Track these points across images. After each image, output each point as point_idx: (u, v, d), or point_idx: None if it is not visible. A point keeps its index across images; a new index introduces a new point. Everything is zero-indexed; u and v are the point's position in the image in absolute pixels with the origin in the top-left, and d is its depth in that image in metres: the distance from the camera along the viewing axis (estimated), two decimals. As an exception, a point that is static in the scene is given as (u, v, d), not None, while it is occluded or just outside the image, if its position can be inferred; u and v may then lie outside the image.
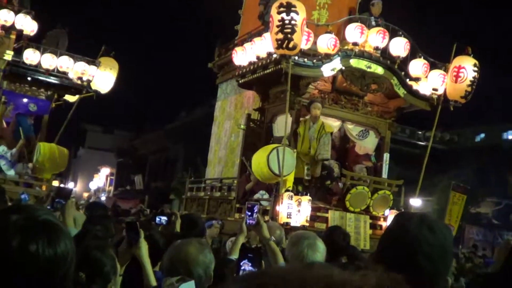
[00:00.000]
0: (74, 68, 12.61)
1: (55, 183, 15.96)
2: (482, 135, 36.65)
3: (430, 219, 2.00)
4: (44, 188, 11.95)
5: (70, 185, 40.80)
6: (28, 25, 11.92)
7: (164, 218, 6.22)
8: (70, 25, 13.74)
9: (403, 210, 10.37)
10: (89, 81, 12.85)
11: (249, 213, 4.48)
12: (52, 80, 12.74)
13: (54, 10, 12.47)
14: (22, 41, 12.36)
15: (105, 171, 41.08)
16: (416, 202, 15.65)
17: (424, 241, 1.88)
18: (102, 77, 13.25)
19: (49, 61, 12.41)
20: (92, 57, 13.06)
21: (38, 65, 12.43)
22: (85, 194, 39.87)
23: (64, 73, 12.65)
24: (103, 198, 37.20)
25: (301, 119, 9.96)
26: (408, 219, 2.01)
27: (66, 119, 13.82)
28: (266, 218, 8.32)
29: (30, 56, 12.33)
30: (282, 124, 9.50)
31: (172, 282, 3.12)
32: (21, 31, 11.89)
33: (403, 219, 2.05)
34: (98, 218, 5.47)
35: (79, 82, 12.76)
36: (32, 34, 12.16)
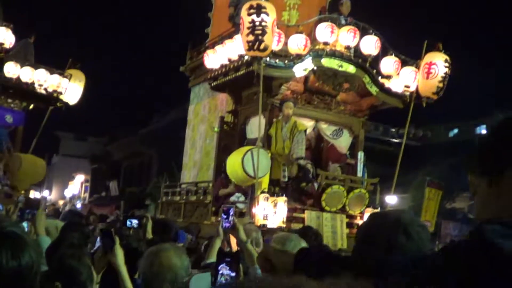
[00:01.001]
0: (48, 81, 12.70)
1: (32, 192, 15.97)
2: (456, 131, 37.03)
3: (406, 222, 1.90)
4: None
5: (45, 193, 40.40)
6: (8, 38, 11.90)
7: (135, 221, 6.15)
8: (37, 35, 13.64)
9: (379, 208, 10.41)
10: (60, 93, 12.89)
11: (225, 216, 4.48)
12: (31, 92, 12.79)
13: (19, 20, 12.34)
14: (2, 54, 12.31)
15: (79, 178, 40.71)
16: (392, 199, 15.71)
17: (399, 248, 1.81)
18: (71, 89, 13.34)
19: (28, 74, 12.46)
20: (58, 66, 13.11)
21: (17, 78, 12.45)
22: (61, 202, 39.49)
23: (40, 85, 12.70)
24: (78, 205, 36.87)
25: (274, 119, 9.94)
26: (383, 223, 1.93)
27: (39, 128, 13.82)
28: (248, 220, 8.27)
29: (12, 69, 12.31)
30: (256, 126, 9.48)
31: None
32: (1, 44, 11.85)
33: (378, 222, 1.98)
34: (74, 225, 5.43)
35: (54, 94, 12.84)
36: (10, 47, 12.14)
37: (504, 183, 1.39)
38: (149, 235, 5.80)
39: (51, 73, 12.87)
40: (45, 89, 12.78)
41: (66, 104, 13.51)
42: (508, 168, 1.38)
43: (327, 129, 10.67)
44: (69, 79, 13.08)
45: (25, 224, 5.19)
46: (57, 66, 13.19)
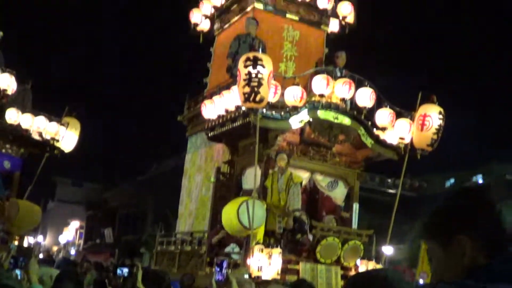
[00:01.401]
0: (47, 128, 12.84)
1: (26, 238, 15.98)
2: (452, 181, 37.05)
3: (394, 280, 1.87)
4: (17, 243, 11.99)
5: (40, 238, 40.13)
6: (11, 84, 12.07)
7: (125, 270, 6.14)
8: (34, 81, 13.82)
9: (374, 260, 10.37)
10: (57, 141, 13.02)
11: (218, 269, 4.50)
12: (30, 138, 12.90)
13: (16, 65, 12.52)
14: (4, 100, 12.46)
15: (74, 224, 40.54)
16: (387, 250, 15.66)
17: None
18: (67, 136, 13.49)
19: (28, 121, 12.61)
20: (54, 112, 13.28)
21: (18, 124, 12.58)
22: (55, 248, 39.21)
23: (39, 132, 12.84)
24: (72, 252, 36.61)
25: (270, 171, 9.99)
26: (370, 283, 1.92)
27: (35, 174, 13.86)
28: (245, 270, 8.22)
29: (13, 116, 12.44)
30: (252, 177, 9.52)
31: None
32: (4, 90, 12.01)
33: (365, 282, 1.97)
34: (69, 275, 5.42)
35: (51, 142, 12.97)
36: (12, 93, 12.30)
37: (452, 247, 1.55)
38: (140, 284, 5.76)
39: (50, 120, 13.02)
40: (42, 135, 12.90)
41: (62, 151, 13.62)
42: (455, 234, 1.55)
43: (322, 181, 10.72)
44: (67, 127, 13.21)
45: (18, 272, 5.20)
46: (54, 112, 13.35)
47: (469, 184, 1.71)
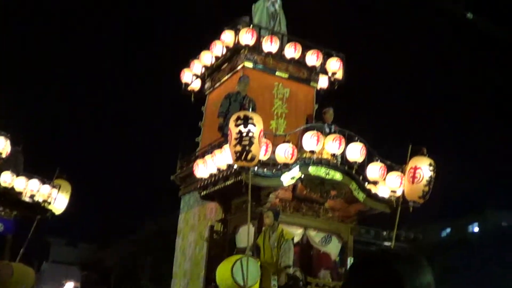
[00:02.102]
0: (40, 191, 12.91)
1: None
2: (448, 230, 36.97)
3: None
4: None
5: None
6: (5, 147, 12.18)
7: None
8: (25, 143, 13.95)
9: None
10: (49, 203, 13.07)
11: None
12: (23, 201, 12.93)
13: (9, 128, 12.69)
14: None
15: (70, 285, 40.03)
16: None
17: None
18: (58, 199, 13.56)
19: (22, 184, 12.67)
20: (45, 173, 13.38)
21: (12, 187, 12.65)
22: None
23: (33, 195, 12.90)
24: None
25: (263, 228, 10.01)
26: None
27: (27, 236, 13.83)
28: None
29: (8, 179, 12.50)
30: (245, 235, 9.52)
31: None
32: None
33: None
34: None
35: (43, 204, 13.02)
36: (6, 155, 12.39)
37: None
38: None
39: (43, 183, 13.09)
40: (33, 198, 12.96)
41: (53, 214, 13.68)
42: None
43: (315, 236, 10.72)
44: (58, 190, 13.29)
45: None
46: (44, 173, 13.46)
47: (374, 253, 1.62)
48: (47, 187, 13.09)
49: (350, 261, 10.92)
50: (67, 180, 13.96)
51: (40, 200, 13.04)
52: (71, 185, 14.08)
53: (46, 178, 13.36)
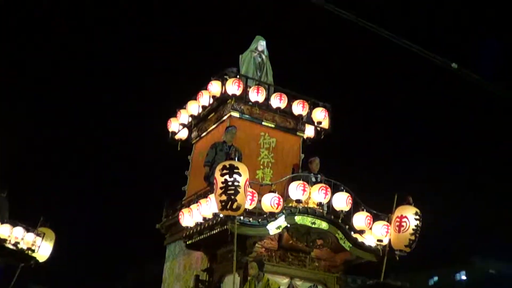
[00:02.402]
0: (25, 238, 12.88)
1: None
2: (435, 278, 36.83)
3: None
4: None
5: None
6: None
7: None
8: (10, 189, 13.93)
9: None
10: (33, 251, 13.03)
11: None
12: (6, 248, 12.90)
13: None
14: None
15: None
16: None
17: None
18: (42, 246, 13.52)
19: (7, 231, 12.64)
20: (29, 220, 13.38)
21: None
22: None
23: (17, 242, 12.85)
24: None
25: (249, 278, 9.95)
26: None
27: (9, 284, 13.75)
28: None
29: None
30: (231, 285, 9.48)
31: None
32: None
33: None
34: None
35: (27, 252, 12.98)
36: None
37: None
38: None
39: (27, 231, 13.05)
40: (17, 245, 12.89)
41: (37, 262, 13.61)
42: None
43: (301, 286, 10.66)
44: (43, 238, 13.25)
45: None
46: (28, 221, 13.44)
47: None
48: (31, 235, 13.05)
49: (336, 311, 10.87)
50: (51, 228, 13.93)
51: (24, 247, 12.98)
52: (55, 233, 14.06)
53: (30, 225, 13.33)
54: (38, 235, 13.25)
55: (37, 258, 13.61)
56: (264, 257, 10.09)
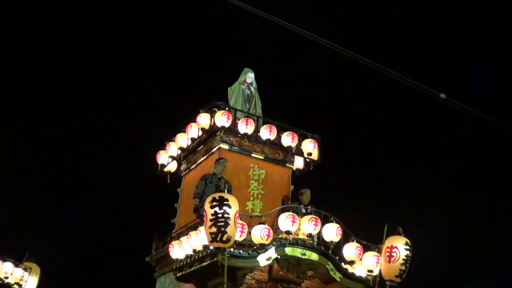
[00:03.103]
0: (14, 274, 12.90)
1: None
2: (426, 309, 36.58)
3: None
4: None
5: None
6: None
7: None
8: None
9: None
10: (20, 286, 13.02)
11: None
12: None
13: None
14: None
15: None
16: None
17: None
18: (28, 281, 13.54)
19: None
20: (15, 256, 13.40)
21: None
22: None
23: (6, 277, 12.86)
24: None
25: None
26: None
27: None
28: None
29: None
30: (221, 317, 9.43)
31: None
32: None
33: None
34: None
35: (14, 287, 12.99)
36: None
37: None
38: None
39: (16, 266, 13.03)
40: (3, 280, 12.89)
41: None
42: None
43: (293, 318, 10.63)
44: (30, 273, 13.23)
45: None
46: (12, 255, 13.45)
47: None
48: (20, 270, 13.02)
49: None
50: (36, 262, 13.91)
51: (12, 282, 12.94)
52: (40, 268, 14.03)
53: (16, 260, 13.34)
54: (25, 269, 13.22)
55: None
56: (252, 289, 10.08)
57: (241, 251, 9.67)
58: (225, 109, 12.15)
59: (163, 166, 13.62)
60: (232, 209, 9.09)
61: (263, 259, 9.80)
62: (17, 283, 13.16)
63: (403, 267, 10.57)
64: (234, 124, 12.10)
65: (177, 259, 10.71)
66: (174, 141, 13.15)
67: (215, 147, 12.23)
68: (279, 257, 9.98)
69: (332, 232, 10.41)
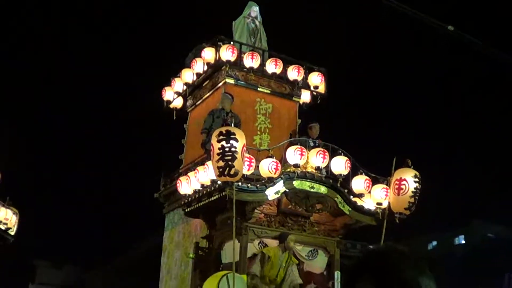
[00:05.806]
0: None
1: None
2: (434, 243, 36.95)
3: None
4: None
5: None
6: None
7: None
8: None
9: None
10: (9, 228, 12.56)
11: None
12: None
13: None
14: None
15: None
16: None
17: None
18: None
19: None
20: None
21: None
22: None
23: None
24: None
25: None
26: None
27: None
28: None
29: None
30: (231, 250, 9.44)
31: None
32: None
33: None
34: None
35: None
36: None
37: None
38: None
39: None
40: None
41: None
42: (357, 282, 1.71)
43: (302, 251, 10.64)
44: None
45: None
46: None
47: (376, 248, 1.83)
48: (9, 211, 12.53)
49: (337, 275, 10.85)
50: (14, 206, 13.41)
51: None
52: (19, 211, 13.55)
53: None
54: (14, 214, 12.69)
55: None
56: (264, 222, 10.07)
57: (249, 185, 9.61)
58: (230, 43, 11.94)
59: (169, 102, 13.48)
60: (239, 143, 8.99)
61: (271, 193, 9.74)
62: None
63: (412, 200, 10.51)
64: (239, 58, 11.92)
65: (185, 194, 10.69)
66: (179, 76, 12.99)
67: (220, 82, 12.08)
68: (287, 190, 9.91)
69: (340, 165, 10.32)
